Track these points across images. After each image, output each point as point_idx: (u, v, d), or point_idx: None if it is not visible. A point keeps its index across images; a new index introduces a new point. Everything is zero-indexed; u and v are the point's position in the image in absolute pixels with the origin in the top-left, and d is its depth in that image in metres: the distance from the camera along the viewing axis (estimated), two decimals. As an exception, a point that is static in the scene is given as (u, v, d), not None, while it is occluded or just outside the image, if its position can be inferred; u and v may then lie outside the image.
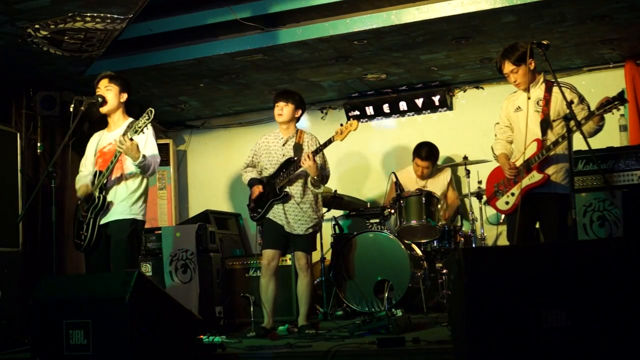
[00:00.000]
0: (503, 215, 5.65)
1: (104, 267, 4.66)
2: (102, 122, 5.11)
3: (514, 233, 4.57)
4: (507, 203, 4.74)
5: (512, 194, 4.71)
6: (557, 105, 4.58)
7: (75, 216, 4.82)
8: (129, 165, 4.62)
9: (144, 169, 4.59)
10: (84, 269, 5.28)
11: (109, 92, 4.73)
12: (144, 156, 4.52)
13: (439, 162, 7.11)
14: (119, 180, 4.66)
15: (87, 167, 4.87)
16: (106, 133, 4.86)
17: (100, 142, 4.86)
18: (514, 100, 4.82)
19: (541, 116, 4.60)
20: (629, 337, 2.73)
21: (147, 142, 4.67)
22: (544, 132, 4.57)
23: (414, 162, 6.74)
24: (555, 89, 4.55)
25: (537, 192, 4.60)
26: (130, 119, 4.78)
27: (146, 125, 4.44)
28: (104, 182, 4.60)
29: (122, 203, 4.64)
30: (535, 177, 4.58)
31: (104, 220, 4.65)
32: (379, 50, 6.28)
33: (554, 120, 4.57)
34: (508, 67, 4.65)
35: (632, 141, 6.44)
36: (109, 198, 4.63)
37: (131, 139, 4.43)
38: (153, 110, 4.43)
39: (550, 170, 4.58)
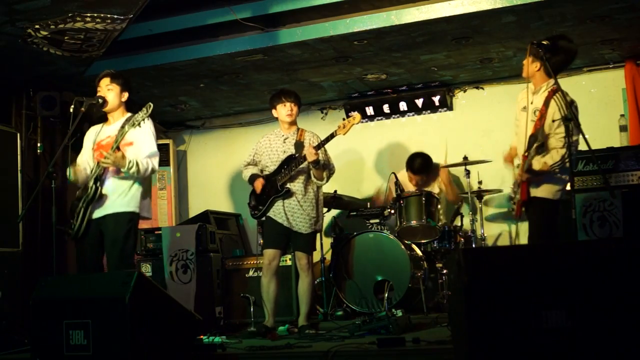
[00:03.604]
0: None
1: (96, 261, 4.65)
2: (101, 122, 5.11)
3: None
4: (513, 210, 4.74)
5: (515, 202, 4.70)
6: (549, 119, 4.39)
7: (71, 206, 4.77)
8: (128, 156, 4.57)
9: (138, 172, 4.56)
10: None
11: (110, 92, 4.73)
12: (134, 162, 4.50)
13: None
14: (117, 172, 4.61)
15: (83, 161, 4.84)
16: (105, 127, 4.84)
17: (99, 135, 4.83)
18: (523, 98, 4.72)
19: (533, 130, 4.50)
20: (629, 337, 2.73)
21: (145, 139, 4.64)
22: (530, 145, 4.47)
23: (407, 172, 6.75)
24: (552, 103, 4.44)
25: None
26: (129, 114, 4.77)
27: (144, 120, 4.42)
28: (100, 173, 4.55)
29: (120, 197, 4.62)
30: (519, 194, 4.53)
31: (99, 214, 4.61)
32: (379, 51, 6.28)
33: (547, 134, 4.47)
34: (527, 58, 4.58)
35: (632, 141, 6.43)
36: (105, 191, 4.59)
37: (118, 148, 4.42)
38: (152, 105, 4.41)
39: (532, 188, 4.50)
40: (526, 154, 4.42)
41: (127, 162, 4.48)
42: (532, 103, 4.52)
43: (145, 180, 4.75)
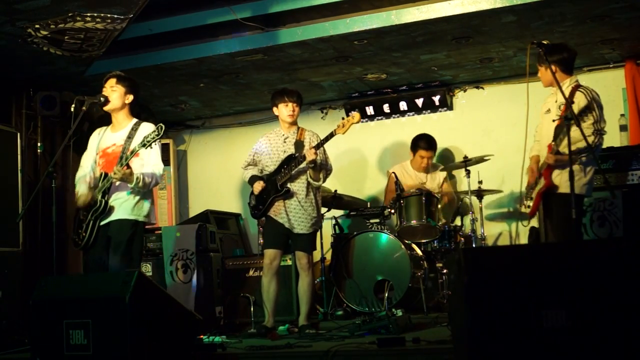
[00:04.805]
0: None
1: (102, 265, 4.65)
2: (102, 122, 5.10)
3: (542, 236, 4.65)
4: (528, 207, 4.75)
5: (531, 199, 4.71)
6: (576, 108, 4.43)
7: (76, 213, 4.81)
8: (133, 168, 4.62)
9: (143, 187, 4.62)
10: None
11: (114, 93, 4.72)
12: (141, 179, 4.54)
13: (437, 160, 7.12)
14: (122, 181, 4.65)
15: (87, 165, 4.84)
16: (109, 132, 4.82)
17: (102, 140, 4.82)
18: (547, 102, 4.77)
19: (558, 122, 4.55)
20: (629, 337, 2.73)
21: (152, 154, 4.64)
22: (555, 136, 4.53)
23: (416, 155, 6.76)
24: (577, 94, 4.49)
25: (546, 194, 4.61)
26: (135, 120, 4.78)
27: (155, 141, 4.43)
28: (108, 186, 4.58)
29: (125, 204, 4.63)
30: (541, 183, 4.59)
31: (105, 220, 4.64)
32: (379, 50, 6.28)
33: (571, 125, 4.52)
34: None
35: (632, 141, 6.43)
36: (111, 199, 4.63)
37: (128, 166, 4.45)
38: (164, 126, 4.38)
39: (555, 174, 4.56)
40: (552, 143, 4.48)
41: (135, 178, 4.52)
42: (556, 101, 4.57)
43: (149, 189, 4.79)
